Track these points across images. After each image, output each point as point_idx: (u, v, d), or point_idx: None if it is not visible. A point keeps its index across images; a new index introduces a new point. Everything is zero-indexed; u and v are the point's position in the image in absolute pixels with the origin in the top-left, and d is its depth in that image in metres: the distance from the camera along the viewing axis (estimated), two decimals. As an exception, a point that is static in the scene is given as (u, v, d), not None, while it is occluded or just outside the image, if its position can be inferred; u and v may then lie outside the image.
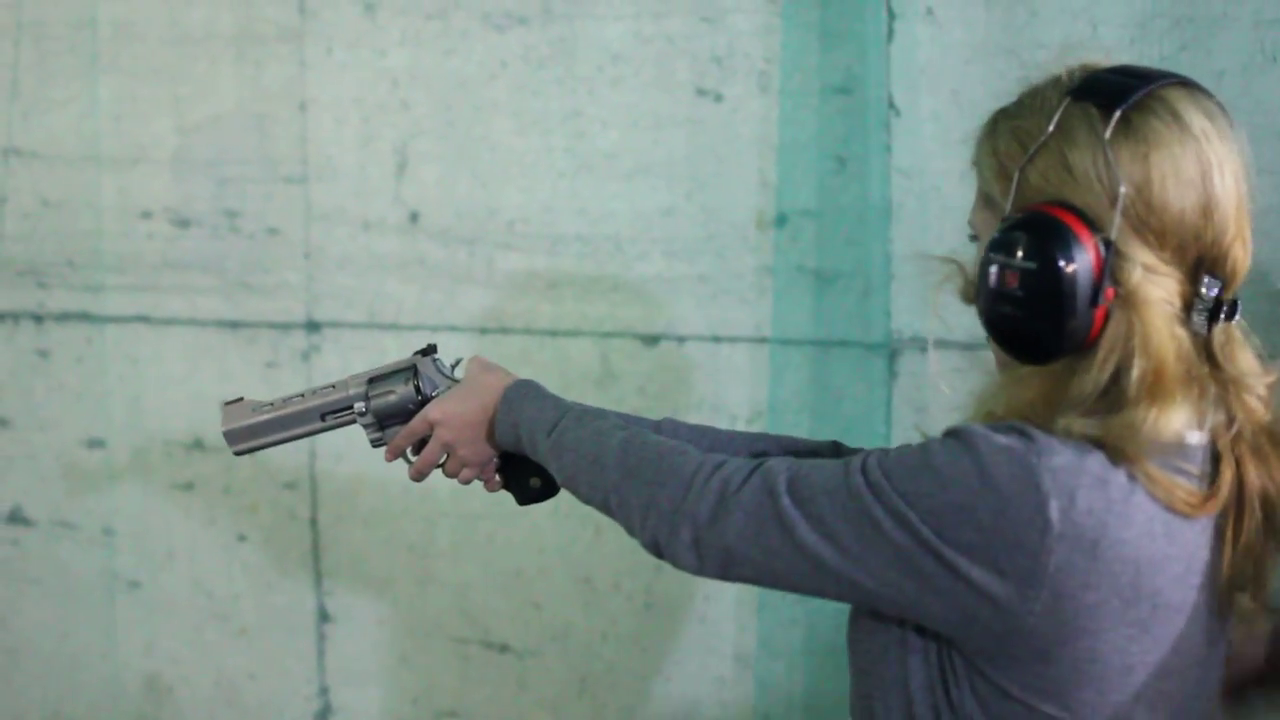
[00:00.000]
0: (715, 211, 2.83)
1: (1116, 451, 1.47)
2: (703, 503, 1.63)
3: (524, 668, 3.12)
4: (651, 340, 2.90)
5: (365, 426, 2.09)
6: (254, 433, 2.15)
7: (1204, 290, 1.50)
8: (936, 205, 2.65)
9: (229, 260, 3.24)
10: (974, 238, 1.64)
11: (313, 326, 3.19)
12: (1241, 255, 1.53)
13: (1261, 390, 1.55)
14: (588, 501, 1.82)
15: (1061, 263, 1.45)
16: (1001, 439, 1.47)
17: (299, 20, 3.11)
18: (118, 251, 3.32)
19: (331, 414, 2.11)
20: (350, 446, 3.18)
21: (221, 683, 3.40)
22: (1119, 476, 1.46)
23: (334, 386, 2.11)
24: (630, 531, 1.73)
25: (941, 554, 1.47)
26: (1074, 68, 1.57)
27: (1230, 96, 1.52)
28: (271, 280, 3.21)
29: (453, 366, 2.11)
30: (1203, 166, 1.49)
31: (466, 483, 2.09)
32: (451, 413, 2.02)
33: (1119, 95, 1.50)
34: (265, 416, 2.13)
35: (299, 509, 3.26)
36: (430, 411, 2.03)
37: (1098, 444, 1.47)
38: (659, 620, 2.99)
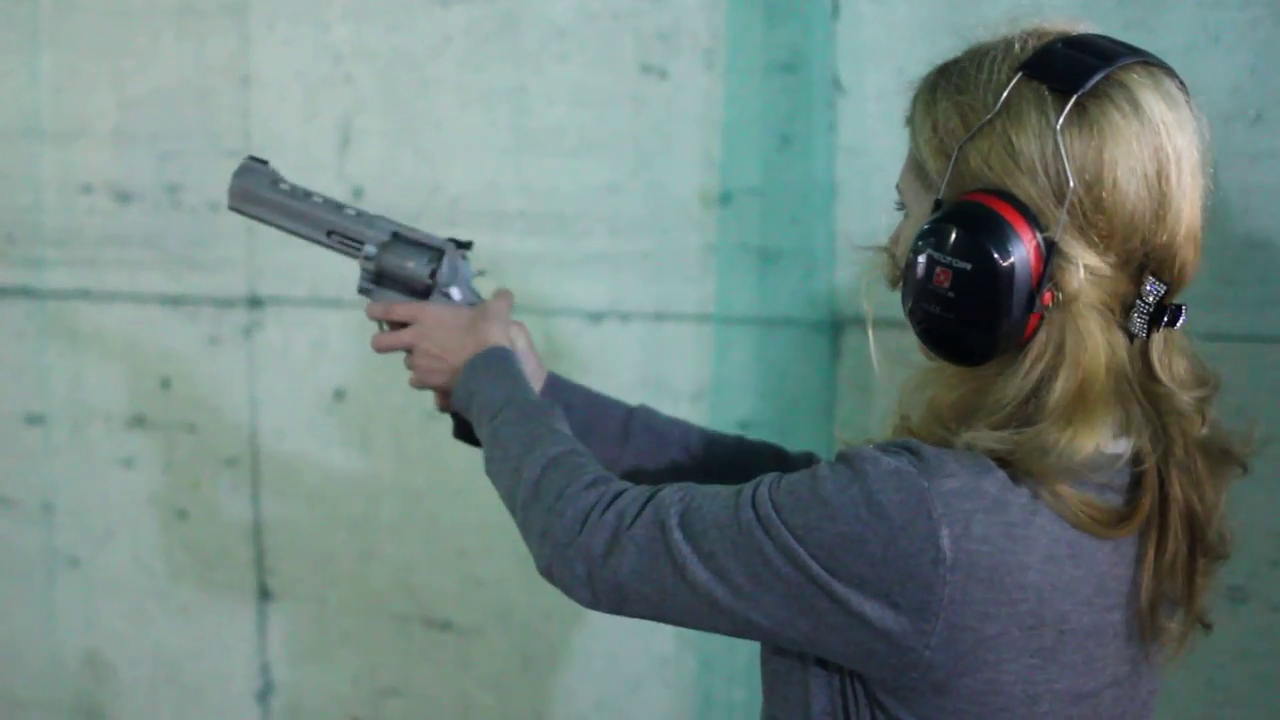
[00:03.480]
0: (660, 189, 2.83)
1: (1022, 469, 1.37)
2: (596, 537, 1.54)
3: (466, 646, 3.11)
4: (595, 318, 2.89)
5: (364, 271, 2.02)
6: (257, 201, 2.07)
7: (1146, 293, 1.40)
8: (881, 183, 2.64)
9: (170, 235, 3.22)
10: (901, 206, 1.54)
11: (255, 302, 3.17)
12: (1192, 256, 1.42)
13: (1194, 402, 1.45)
14: (503, 501, 1.76)
15: (999, 264, 1.34)
16: (891, 462, 1.37)
17: (242, -7, 3.11)
18: (58, 226, 3.30)
19: (339, 237, 2.04)
20: (292, 424, 3.18)
21: (162, 660, 3.39)
22: (1019, 497, 1.37)
23: (359, 215, 2.03)
24: (530, 551, 1.66)
25: (833, 590, 1.38)
26: (1027, 33, 1.45)
27: (1174, 77, 1.46)
28: (213, 256, 3.19)
29: (477, 274, 2.05)
30: (1160, 163, 1.37)
31: (416, 388, 2.02)
32: (438, 330, 1.96)
33: (1076, 77, 1.37)
34: (275, 195, 2.06)
35: (240, 486, 3.25)
36: (421, 312, 1.97)
37: (1003, 459, 1.38)
38: (602, 598, 2.98)
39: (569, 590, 1.59)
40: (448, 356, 1.95)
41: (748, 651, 2.81)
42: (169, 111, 3.19)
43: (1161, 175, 1.38)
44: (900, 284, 1.46)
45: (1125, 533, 1.42)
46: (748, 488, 1.47)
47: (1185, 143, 1.40)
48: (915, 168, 1.50)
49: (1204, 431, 1.47)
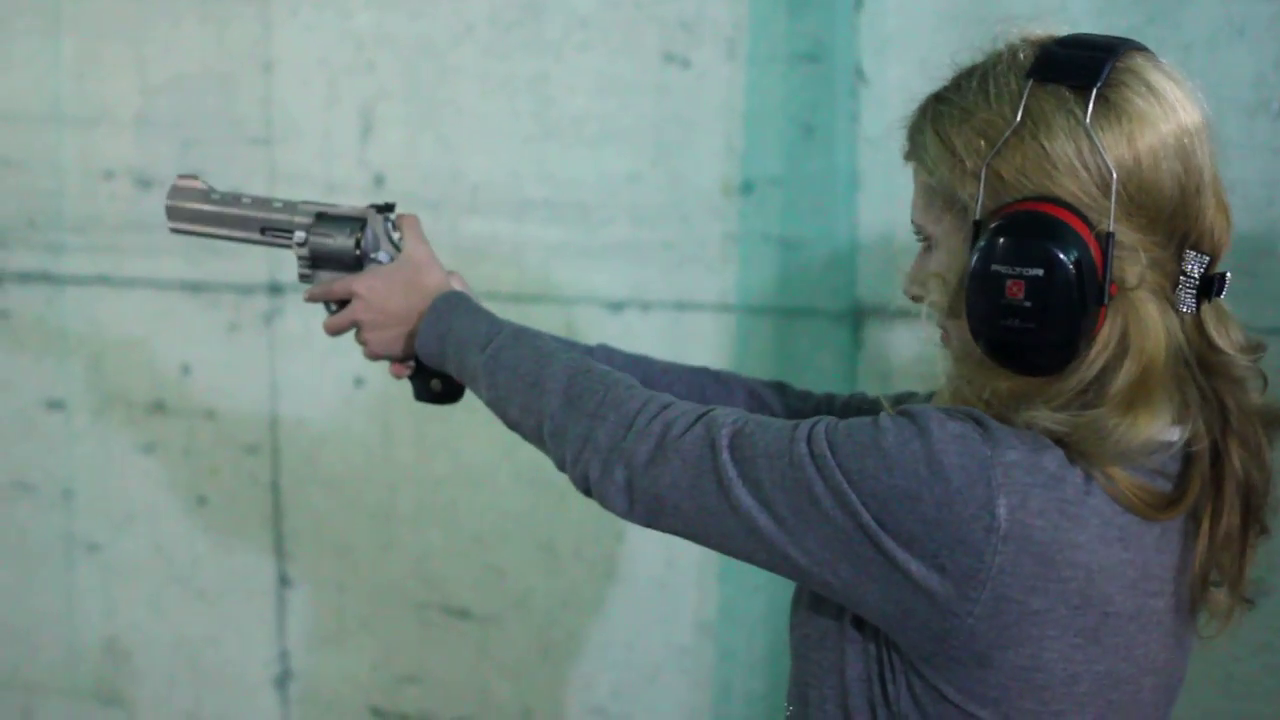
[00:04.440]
0: (681, 178, 2.82)
1: (1078, 451, 1.39)
2: (642, 445, 1.55)
3: (485, 634, 3.11)
4: (616, 307, 2.89)
5: (299, 258, 2.04)
6: (194, 218, 2.11)
7: (1188, 267, 1.43)
8: (903, 174, 2.61)
9: (192, 222, 3.22)
10: (921, 239, 1.55)
11: (275, 289, 3.17)
12: (1223, 225, 1.46)
13: (1251, 366, 1.48)
14: (515, 425, 1.76)
15: (1068, 264, 1.36)
16: (955, 426, 1.39)
17: (264, -20, 3.10)
18: (79, 212, 3.30)
19: (272, 231, 2.06)
20: (312, 411, 3.18)
21: (181, 646, 3.39)
22: (1075, 476, 1.39)
23: (284, 205, 2.06)
24: (560, 464, 1.66)
25: (880, 541, 1.39)
26: (1015, 44, 1.48)
27: (1198, 69, 1.48)
28: (234, 243, 3.18)
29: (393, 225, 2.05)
30: (1183, 138, 1.41)
31: (372, 359, 2.03)
32: (376, 296, 1.96)
33: (1089, 73, 1.40)
34: (209, 207, 2.09)
35: (260, 473, 3.25)
36: (356, 284, 1.97)
37: (1060, 440, 1.40)
38: (620, 587, 2.98)
39: (605, 498, 1.60)
40: (397, 319, 1.96)
41: (767, 642, 2.81)
42: (191, 98, 3.19)
43: (1187, 149, 1.42)
44: (961, 312, 1.45)
45: (1172, 516, 1.44)
46: (805, 424, 1.48)
47: (1197, 115, 1.44)
48: (931, 197, 1.52)
49: (1261, 401, 1.49)
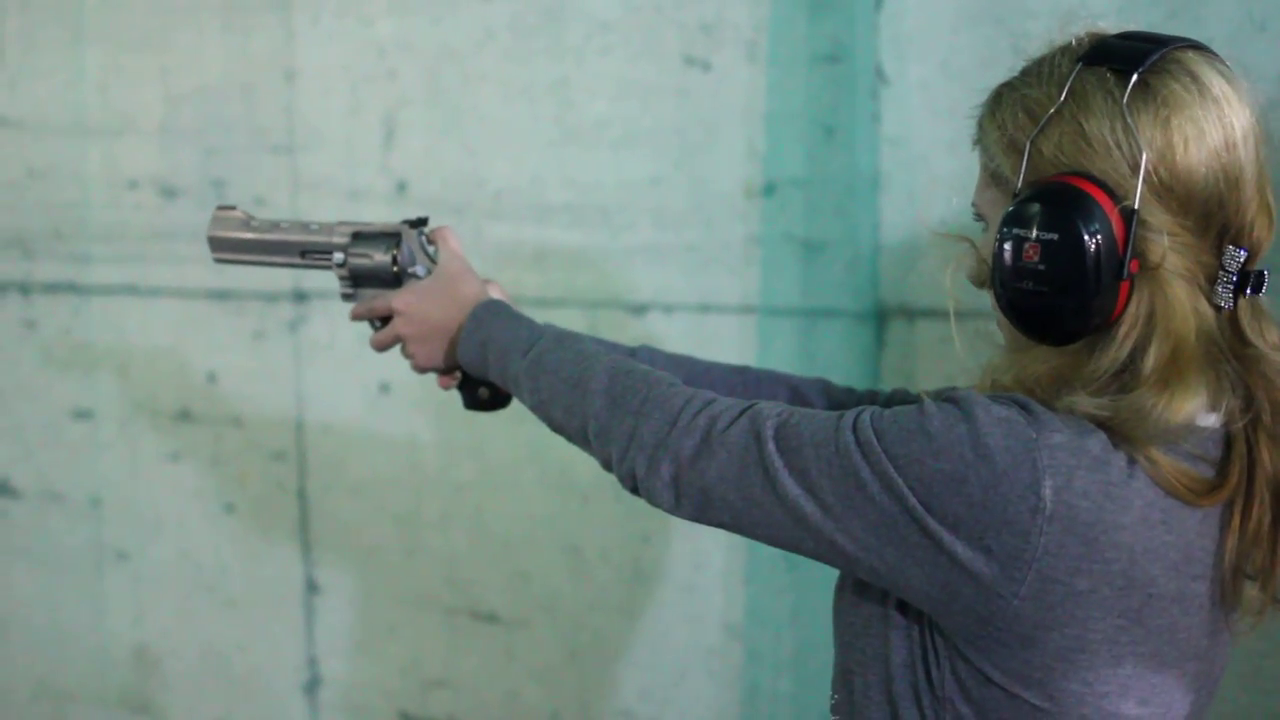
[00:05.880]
0: (703, 181, 2.83)
1: (1121, 434, 1.41)
2: (687, 439, 1.57)
3: (512, 638, 3.12)
4: (639, 310, 2.89)
5: (340, 279, 2.09)
6: (237, 247, 2.15)
7: (1228, 261, 1.44)
8: (924, 174, 2.64)
9: (216, 230, 3.23)
10: (979, 218, 1.59)
11: (300, 296, 3.19)
12: (1265, 224, 1.47)
13: None
14: (559, 428, 1.78)
15: (1085, 233, 1.39)
16: (1000, 410, 1.41)
17: (285, -11, 3.12)
18: (104, 222, 3.32)
19: (311, 254, 2.11)
20: (338, 417, 3.19)
21: (210, 653, 3.41)
22: (1119, 459, 1.41)
23: (322, 227, 2.10)
24: (606, 463, 1.69)
25: (926, 524, 1.41)
26: (1081, 35, 1.51)
27: (1219, 65, 1.49)
28: (259, 250, 3.20)
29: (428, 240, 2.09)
30: (1225, 131, 1.43)
31: (419, 373, 2.07)
32: (416, 310, 2.00)
33: (1134, 59, 1.44)
34: (250, 235, 2.14)
35: (287, 480, 3.26)
36: (395, 300, 2.01)
37: (1102, 424, 1.41)
38: (647, 590, 2.99)
39: (652, 494, 1.62)
40: (437, 331, 2.00)
41: (794, 642, 2.81)
42: (214, 107, 3.21)
43: (1228, 142, 1.44)
44: (988, 278, 1.51)
45: (1215, 501, 1.46)
46: (849, 413, 1.50)
47: (1246, 114, 1.46)
48: (990, 176, 1.55)
49: None
